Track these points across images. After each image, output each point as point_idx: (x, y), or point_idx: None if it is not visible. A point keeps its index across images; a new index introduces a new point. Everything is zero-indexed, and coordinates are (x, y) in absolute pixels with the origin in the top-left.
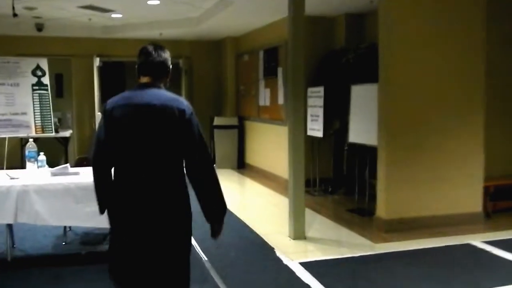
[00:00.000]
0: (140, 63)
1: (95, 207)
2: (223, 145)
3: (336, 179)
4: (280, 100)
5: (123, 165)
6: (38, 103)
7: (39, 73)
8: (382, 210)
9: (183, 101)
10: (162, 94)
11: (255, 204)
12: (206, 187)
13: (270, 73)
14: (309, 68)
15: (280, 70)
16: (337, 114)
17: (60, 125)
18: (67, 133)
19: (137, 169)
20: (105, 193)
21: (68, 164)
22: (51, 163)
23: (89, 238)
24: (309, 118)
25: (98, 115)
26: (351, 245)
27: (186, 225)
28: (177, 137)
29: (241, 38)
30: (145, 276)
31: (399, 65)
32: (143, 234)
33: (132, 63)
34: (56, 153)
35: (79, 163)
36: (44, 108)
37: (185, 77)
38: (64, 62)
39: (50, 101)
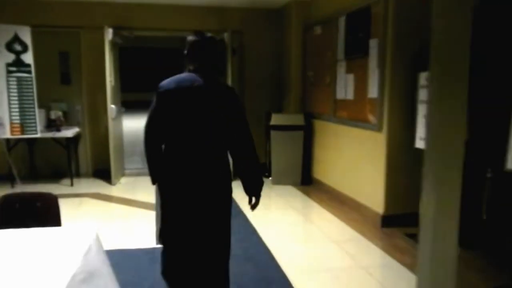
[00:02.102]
0: (190, 50)
1: None
2: (282, 152)
3: (466, 226)
4: (372, 91)
5: (175, 140)
6: (16, 91)
7: (18, 47)
8: None
9: (226, 84)
10: (211, 79)
11: (328, 257)
12: (248, 164)
13: (355, 50)
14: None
15: (374, 44)
16: (476, 114)
17: (66, 121)
18: (69, 133)
19: (189, 144)
20: (157, 166)
21: None
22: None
23: None
24: (418, 121)
25: (112, 108)
26: None
27: (229, 188)
28: (224, 117)
29: (312, 2)
30: (198, 232)
31: None
32: (196, 195)
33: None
34: (62, 159)
35: (97, 173)
36: (26, 98)
37: (233, 58)
38: (70, 35)
39: (35, 88)
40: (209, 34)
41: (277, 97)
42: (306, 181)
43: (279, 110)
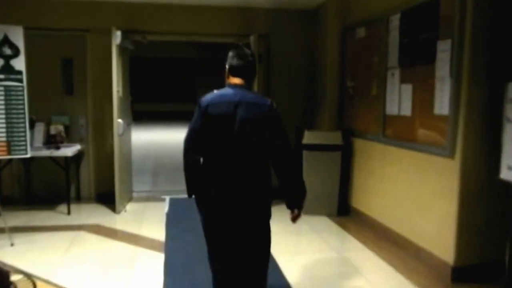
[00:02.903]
0: (233, 65)
1: None
2: (316, 176)
3: None
4: (441, 106)
5: (215, 154)
6: (3, 102)
7: (8, 51)
8: None
9: (267, 99)
10: (252, 94)
11: None
12: (288, 173)
13: (415, 55)
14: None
15: (444, 47)
16: None
17: (68, 136)
18: (68, 151)
19: (230, 157)
20: (195, 179)
21: None
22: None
23: None
24: (505, 144)
25: (119, 123)
26: None
27: (268, 201)
28: (265, 130)
29: (353, 0)
30: (238, 243)
31: None
32: (235, 210)
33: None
34: (62, 180)
35: (101, 197)
36: (14, 111)
37: (259, 66)
38: (75, 40)
39: (26, 99)
40: (248, 51)
41: (308, 111)
42: (343, 211)
43: (311, 126)
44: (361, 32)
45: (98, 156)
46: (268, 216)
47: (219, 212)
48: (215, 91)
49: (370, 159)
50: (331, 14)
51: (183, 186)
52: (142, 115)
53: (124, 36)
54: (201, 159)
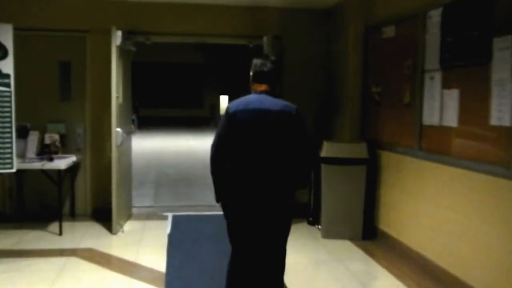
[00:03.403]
0: (257, 73)
1: None
2: (337, 193)
3: None
4: (500, 116)
5: (243, 159)
6: None
7: None
8: None
9: (292, 104)
10: (277, 100)
11: None
12: (303, 171)
13: (464, 55)
14: None
15: (504, 44)
16: None
17: (64, 146)
18: (62, 163)
19: (256, 162)
20: (223, 184)
21: None
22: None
23: None
24: None
25: (118, 132)
26: None
27: (292, 203)
28: (290, 135)
29: None
30: (260, 248)
31: None
32: (260, 213)
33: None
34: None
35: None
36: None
37: None
38: (73, 42)
39: (13, 106)
40: (273, 57)
41: (325, 119)
42: (369, 234)
43: (328, 136)
44: (389, 31)
45: (96, 168)
46: (291, 212)
47: (245, 213)
48: (242, 98)
49: (402, 176)
50: (351, 13)
51: (186, 201)
52: (147, 120)
53: (126, 37)
54: (228, 164)
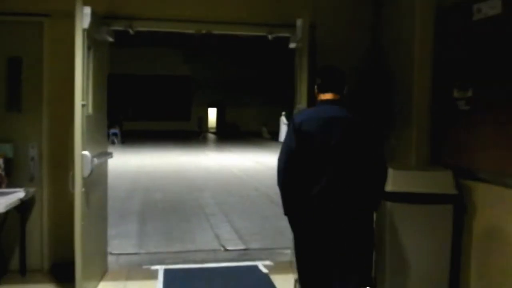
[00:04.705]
0: (323, 82)
1: None
2: (408, 245)
3: None
4: None
5: (312, 170)
6: None
7: None
8: None
9: (357, 114)
10: (343, 109)
11: None
12: (376, 184)
13: None
14: None
15: None
16: None
17: (11, 175)
18: (1, 203)
19: (325, 173)
20: (293, 200)
21: None
22: None
23: None
24: None
25: (86, 157)
26: None
27: (370, 216)
28: (359, 144)
29: None
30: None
31: None
32: (335, 224)
33: None
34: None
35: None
36: None
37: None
38: (26, 29)
39: None
40: (334, 66)
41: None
42: None
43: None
44: (487, 9)
45: (56, 206)
46: (371, 240)
47: (317, 227)
48: (307, 109)
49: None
50: None
51: (181, 242)
52: (132, 134)
53: (100, 22)
54: (297, 176)
